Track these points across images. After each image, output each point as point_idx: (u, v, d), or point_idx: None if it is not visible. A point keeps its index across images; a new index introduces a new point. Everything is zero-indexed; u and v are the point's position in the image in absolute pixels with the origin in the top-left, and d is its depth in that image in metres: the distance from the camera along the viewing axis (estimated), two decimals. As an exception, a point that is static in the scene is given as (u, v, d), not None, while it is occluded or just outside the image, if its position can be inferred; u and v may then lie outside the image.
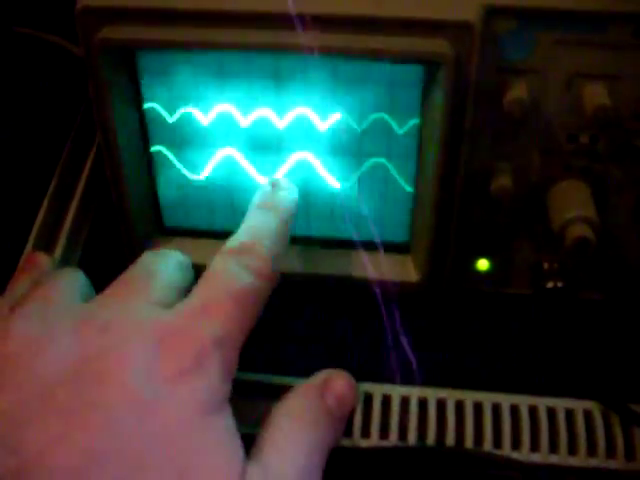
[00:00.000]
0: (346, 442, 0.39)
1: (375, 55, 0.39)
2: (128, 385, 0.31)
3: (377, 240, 0.47)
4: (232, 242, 0.38)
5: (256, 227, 0.39)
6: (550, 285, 0.47)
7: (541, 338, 0.46)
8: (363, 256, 0.47)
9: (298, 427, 0.35)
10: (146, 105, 0.44)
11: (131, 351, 0.32)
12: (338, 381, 0.37)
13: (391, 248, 0.47)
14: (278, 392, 0.38)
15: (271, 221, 0.39)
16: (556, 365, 0.44)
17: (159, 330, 0.33)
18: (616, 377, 0.43)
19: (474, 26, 0.38)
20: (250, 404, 0.39)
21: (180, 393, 0.31)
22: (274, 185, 0.42)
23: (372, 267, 0.47)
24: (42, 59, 0.60)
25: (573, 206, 0.43)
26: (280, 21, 0.39)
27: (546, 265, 0.48)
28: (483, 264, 0.48)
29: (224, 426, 0.32)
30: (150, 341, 0.32)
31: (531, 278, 0.48)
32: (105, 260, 0.48)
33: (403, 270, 0.47)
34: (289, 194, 0.42)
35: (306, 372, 0.39)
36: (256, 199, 0.41)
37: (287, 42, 0.39)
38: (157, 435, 0.30)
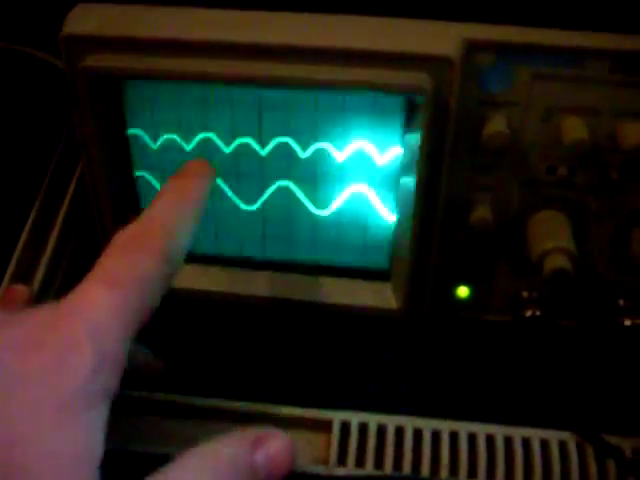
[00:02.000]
0: (322, 470, 0.39)
1: (356, 87, 0.39)
2: None
3: (357, 267, 0.47)
4: (125, 229, 0.34)
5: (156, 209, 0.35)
6: (529, 314, 0.47)
7: (519, 366, 0.46)
8: (343, 283, 0.47)
9: (209, 471, 0.31)
10: (130, 131, 0.44)
11: None
12: (275, 441, 0.33)
13: (371, 275, 0.48)
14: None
15: (177, 205, 0.36)
16: (533, 394, 0.44)
17: (31, 326, 0.31)
18: (592, 407, 0.43)
19: (454, 60, 0.39)
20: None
21: (35, 393, 0.29)
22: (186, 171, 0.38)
23: (352, 294, 0.47)
24: (29, 76, 0.59)
25: (551, 237, 0.43)
26: (263, 53, 0.39)
27: (525, 293, 0.48)
28: (463, 291, 0.49)
29: (82, 434, 0.30)
30: (21, 334, 0.31)
31: (511, 306, 0.49)
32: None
33: (382, 297, 0.47)
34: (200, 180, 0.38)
35: (281, 398, 0.39)
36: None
37: (269, 74, 0.39)
38: (3, 431, 0.28)
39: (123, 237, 0.34)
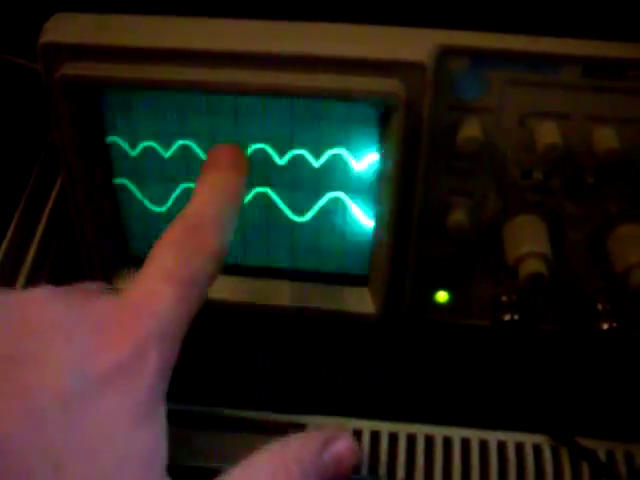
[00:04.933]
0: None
1: (329, 94, 0.40)
2: (56, 374, 0.29)
3: (336, 272, 0.48)
4: (175, 224, 0.35)
5: (203, 204, 0.36)
6: (507, 318, 0.47)
7: (496, 370, 0.47)
8: (322, 288, 0.48)
9: (280, 470, 0.32)
10: (109, 139, 0.45)
11: (62, 336, 0.30)
12: (341, 442, 0.35)
13: (350, 280, 0.48)
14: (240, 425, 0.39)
15: (223, 201, 0.36)
16: (509, 397, 0.45)
17: (96, 320, 0.31)
18: (567, 411, 0.43)
19: (426, 66, 0.39)
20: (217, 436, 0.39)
21: (112, 395, 0.29)
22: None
23: (331, 299, 0.47)
24: (11, 82, 0.60)
25: (527, 241, 0.44)
26: (237, 60, 0.40)
27: (504, 298, 0.48)
28: (442, 296, 0.49)
29: (153, 435, 0.30)
30: (87, 329, 0.30)
31: (490, 310, 0.49)
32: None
33: (361, 302, 0.47)
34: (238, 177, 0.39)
35: (260, 403, 0.40)
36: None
37: (243, 82, 0.40)
38: (80, 437, 0.28)
39: (175, 233, 0.34)
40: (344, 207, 0.46)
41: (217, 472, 0.31)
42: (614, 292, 0.48)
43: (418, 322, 0.49)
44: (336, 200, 0.45)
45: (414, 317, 0.49)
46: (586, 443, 0.40)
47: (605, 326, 0.47)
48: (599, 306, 0.48)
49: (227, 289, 0.48)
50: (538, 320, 0.49)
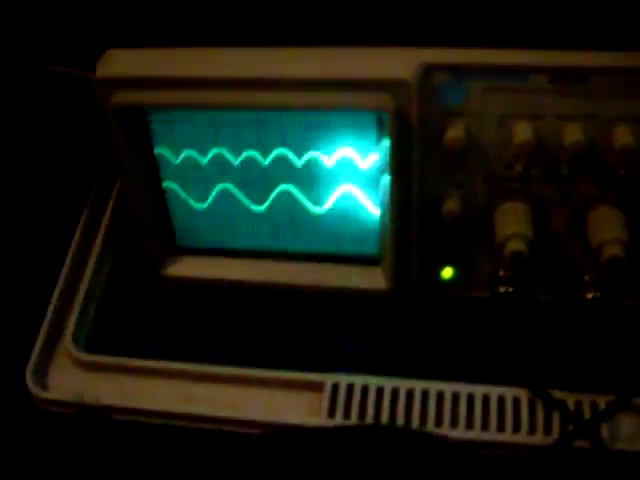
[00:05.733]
0: (315, 421, 0.48)
1: (332, 108, 0.48)
2: None
3: (351, 254, 0.56)
4: None
5: None
6: (502, 290, 0.55)
7: (491, 335, 0.54)
8: (339, 268, 0.56)
9: None
10: (156, 150, 0.54)
11: None
12: None
13: (363, 261, 0.56)
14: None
15: None
16: (494, 357, 0.52)
17: None
18: (542, 368, 0.50)
19: (411, 83, 0.47)
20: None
21: None
22: None
23: (347, 278, 0.56)
24: (76, 95, 0.66)
25: (511, 224, 0.51)
26: (258, 84, 0.48)
27: (502, 272, 0.55)
28: (447, 272, 0.56)
29: None
30: None
31: (488, 284, 0.56)
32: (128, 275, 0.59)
33: (374, 280, 0.56)
34: None
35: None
36: None
37: (263, 101, 0.48)
38: None
39: None
40: (355, 199, 0.54)
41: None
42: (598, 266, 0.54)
43: (427, 296, 0.57)
44: (348, 193, 0.53)
45: (424, 292, 0.57)
46: (557, 395, 0.48)
47: (590, 295, 0.54)
48: (585, 278, 0.54)
49: (260, 272, 0.57)
50: (532, 292, 0.56)
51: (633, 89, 0.47)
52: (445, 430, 0.47)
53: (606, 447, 0.45)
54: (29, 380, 0.53)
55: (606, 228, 0.50)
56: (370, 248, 0.56)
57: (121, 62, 0.50)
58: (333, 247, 0.56)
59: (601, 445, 0.45)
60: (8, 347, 0.56)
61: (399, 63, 0.47)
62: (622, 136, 0.48)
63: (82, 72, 0.64)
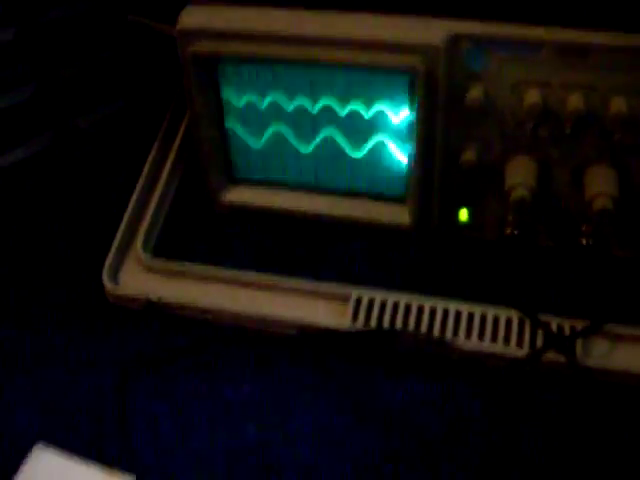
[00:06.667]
0: (340, 325, 0.58)
1: (369, 66, 0.57)
2: None
3: (382, 193, 0.65)
4: None
5: None
6: (508, 232, 0.64)
7: (494, 267, 0.64)
8: (372, 204, 0.66)
9: None
10: (222, 94, 0.64)
11: None
12: None
13: (392, 199, 0.66)
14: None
15: None
16: (499, 284, 0.62)
17: None
18: (534, 294, 0.60)
19: (440, 48, 0.56)
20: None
21: None
22: None
23: (378, 212, 0.65)
24: (153, 45, 0.75)
25: (518, 175, 0.60)
26: (311, 42, 0.58)
27: (509, 217, 0.64)
28: (463, 214, 0.66)
29: None
30: None
31: (498, 227, 0.65)
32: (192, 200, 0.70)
33: (400, 216, 0.65)
34: None
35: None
36: None
37: (314, 56, 0.58)
38: None
39: None
40: (387, 147, 0.63)
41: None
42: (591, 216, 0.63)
43: (446, 236, 0.66)
44: (381, 142, 0.63)
45: (442, 231, 0.66)
46: (543, 318, 0.57)
47: (584, 242, 0.63)
48: (583, 227, 0.63)
49: (303, 203, 0.67)
50: (534, 236, 0.65)
51: (629, 65, 0.55)
52: (448, 339, 0.57)
53: (577, 362, 0.55)
54: (104, 277, 0.63)
55: (599, 183, 0.59)
56: (398, 189, 0.65)
57: (199, 16, 0.60)
58: (366, 186, 0.66)
59: (574, 359, 0.55)
60: (89, 249, 0.67)
61: (431, 31, 0.56)
62: (617, 105, 0.56)
63: (157, 24, 0.74)
